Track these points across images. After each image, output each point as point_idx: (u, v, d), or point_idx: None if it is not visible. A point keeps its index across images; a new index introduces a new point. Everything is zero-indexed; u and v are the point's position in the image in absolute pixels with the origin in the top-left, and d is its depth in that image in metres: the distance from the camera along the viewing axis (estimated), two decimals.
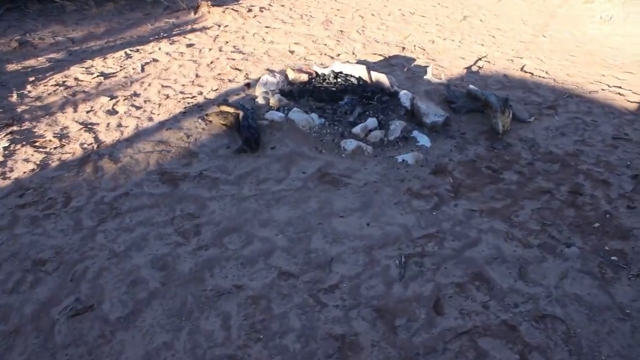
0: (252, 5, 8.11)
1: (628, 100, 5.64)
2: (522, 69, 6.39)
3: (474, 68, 6.38)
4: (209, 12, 7.54)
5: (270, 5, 8.27)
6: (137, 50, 6.32)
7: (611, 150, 4.68)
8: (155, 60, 6.08)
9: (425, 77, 5.52)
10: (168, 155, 4.19)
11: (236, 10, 7.76)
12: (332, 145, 4.33)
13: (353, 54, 6.56)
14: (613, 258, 3.37)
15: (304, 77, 5.33)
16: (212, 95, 5.24)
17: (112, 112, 4.88)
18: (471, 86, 5.12)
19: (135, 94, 5.24)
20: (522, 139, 4.79)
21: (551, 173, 4.32)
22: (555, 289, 3.09)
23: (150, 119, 4.74)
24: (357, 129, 4.33)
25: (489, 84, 5.94)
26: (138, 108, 4.95)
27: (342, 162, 4.20)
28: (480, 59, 6.63)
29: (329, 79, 5.28)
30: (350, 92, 5.08)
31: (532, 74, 6.30)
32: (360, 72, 5.37)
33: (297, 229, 3.46)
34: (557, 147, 4.71)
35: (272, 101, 4.78)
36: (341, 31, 7.33)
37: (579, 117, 5.27)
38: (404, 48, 6.87)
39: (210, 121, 4.68)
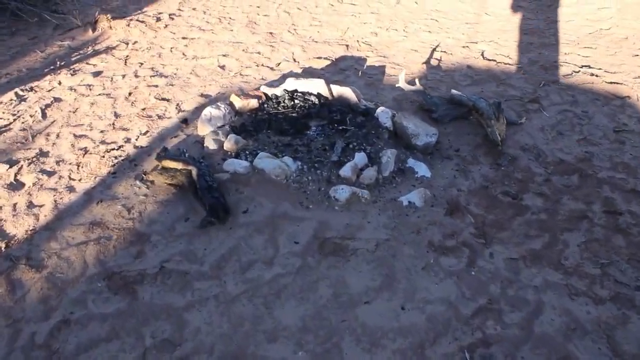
0: (160, 13, 6.87)
1: (605, 82, 5.13)
2: (482, 56, 5.73)
3: (433, 62, 5.64)
4: (110, 27, 6.23)
5: (179, 10, 7.06)
6: (31, 89, 4.99)
7: (619, 147, 4.14)
8: (57, 99, 4.81)
9: (397, 85, 4.69)
10: (109, 244, 3.09)
11: (142, 22, 6.50)
12: (320, 196, 3.42)
13: (294, 60, 5.60)
14: None
15: (254, 103, 4.33)
16: (143, 142, 4.12)
17: (16, 185, 3.66)
18: (454, 91, 4.37)
19: (42, 153, 4.02)
20: (523, 148, 4.11)
21: (574, 189, 3.68)
22: None
23: (71, 189, 3.59)
24: (346, 171, 3.44)
25: (456, 80, 5.23)
26: (50, 174, 3.75)
27: (338, 217, 3.30)
28: (434, 49, 5.89)
29: (283, 101, 4.33)
30: (314, 116, 4.17)
31: (495, 61, 5.67)
32: (318, 87, 4.46)
33: (318, 336, 2.55)
34: (563, 152, 4.09)
35: (227, 144, 3.77)
36: (271, 33, 6.33)
37: (567, 109, 4.69)
38: (347, 46, 6.01)
39: (152, 182, 3.59)
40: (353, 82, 5.10)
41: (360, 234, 3.20)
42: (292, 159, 3.54)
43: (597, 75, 5.27)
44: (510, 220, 3.42)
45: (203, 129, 4.09)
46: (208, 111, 4.13)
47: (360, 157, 3.54)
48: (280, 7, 7.19)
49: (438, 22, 6.81)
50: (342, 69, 5.46)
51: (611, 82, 5.13)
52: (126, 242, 3.12)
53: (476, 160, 3.99)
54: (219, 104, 4.24)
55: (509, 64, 5.58)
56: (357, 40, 6.15)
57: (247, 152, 3.71)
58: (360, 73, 5.31)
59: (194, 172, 3.42)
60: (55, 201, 3.49)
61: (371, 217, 3.34)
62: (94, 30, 6.14)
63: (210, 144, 3.82)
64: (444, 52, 5.87)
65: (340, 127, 3.96)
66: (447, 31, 6.50)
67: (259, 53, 5.77)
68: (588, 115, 4.60)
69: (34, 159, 3.94)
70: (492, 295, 2.83)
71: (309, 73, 5.30)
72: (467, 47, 6.03)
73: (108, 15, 6.24)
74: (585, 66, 5.49)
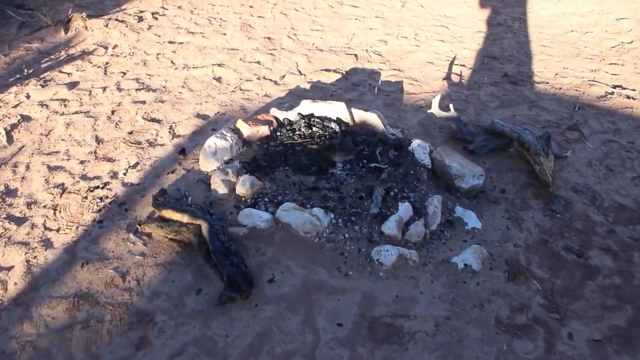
0: (141, 12, 6.09)
1: None
2: (506, 74, 5.18)
3: (454, 77, 5.07)
4: (85, 27, 5.43)
5: (163, 8, 6.29)
6: None
7: None
8: (26, 118, 4.04)
9: (429, 110, 4.09)
10: (102, 329, 2.42)
11: (122, 21, 5.72)
12: (360, 259, 2.81)
13: (300, 73, 4.95)
14: None
15: (264, 130, 3.69)
16: (133, 177, 3.42)
17: None
18: (496, 120, 3.79)
19: (9, 191, 3.29)
20: (575, 189, 3.59)
21: None
22: None
23: (48, 244, 2.88)
24: (390, 228, 2.83)
25: (483, 100, 4.67)
26: (20, 222, 3.03)
27: (385, 286, 2.71)
28: (452, 62, 5.32)
29: (299, 129, 3.68)
30: (338, 148, 3.53)
31: (520, 77, 5.13)
32: (338, 111, 3.84)
33: None
34: (620, 194, 3.59)
35: (241, 189, 3.11)
36: (269, 38, 5.64)
37: (611, 139, 4.20)
38: (356, 56, 5.38)
39: (150, 235, 2.91)
40: (370, 102, 4.48)
41: (414, 310, 2.61)
42: (324, 211, 2.90)
43: (633, 98, 4.79)
44: (581, 286, 2.89)
45: (207, 165, 3.42)
46: (212, 142, 3.46)
47: (404, 209, 2.93)
48: (276, 8, 6.50)
49: (449, 29, 6.24)
50: (354, 84, 4.84)
51: None
52: (124, 324, 2.45)
53: (526, 204, 3.44)
54: (224, 132, 3.57)
55: (536, 82, 5.05)
56: (366, 50, 5.52)
57: (265, 199, 3.05)
58: (376, 90, 4.70)
59: (205, 228, 2.75)
60: (27, 262, 2.78)
61: (423, 285, 2.75)
62: (66, 30, 5.34)
63: (218, 187, 3.15)
64: (463, 65, 5.30)
65: (372, 165, 3.33)
66: (461, 40, 5.93)
67: (258, 63, 5.09)
68: (635, 147, 4.12)
69: None
70: None
71: (318, 89, 4.66)
72: (486, 60, 5.47)
73: (83, 14, 5.42)
74: (618, 86, 5.01)
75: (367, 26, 6.14)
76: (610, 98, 4.79)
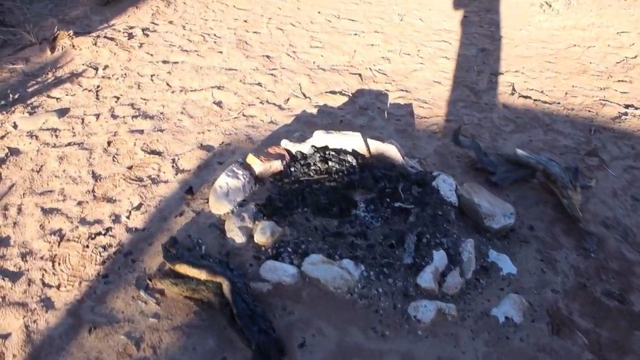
0: (131, 28, 5.77)
1: None
2: (517, 92, 5.01)
3: (464, 99, 4.87)
4: (72, 46, 5.10)
5: (153, 23, 5.97)
6: None
7: None
8: (14, 152, 3.73)
9: (450, 142, 3.88)
10: None
11: (112, 39, 5.40)
12: (397, 316, 2.58)
13: (304, 95, 4.71)
14: None
15: (277, 166, 3.44)
16: (137, 222, 3.15)
17: None
18: (519, 150, 3.61)
19: (0, 240, 2.97)
20: (606, 224, 3.43)
21: None
22: None
23: (48, 304, 2.61)
24: (427, 280, 2.62)
25: (497, 124, 4.49)
26: (15, 277, 2.75)
27: (425, 347, 2.49)
28: (460, 82, 5.13)
29: (314, 163, 3.44)
30: (358, 185, 3.31)
31: (530, 98, 4.96)
32: (353, 142, 3.61)
33: None
34: None
35: (261, 238, 2.86)
36: (267, 57, 5.39)
37: (632, 165, 4.06)
38: (361, 75, 5.16)
39: (162, 292, 2.64)
40: (382, 128, 4.27)
41: None
42: (353, 262, 2.66)
43: None
44: (628, 337, 2.71)
45: (218, 207, 3.15)
46: (224, 182, 3.20)
47: (439, 258, 2.72)
48: (271, 23, 6.23)
49: (452, 44, 6.06)
50: (362, 107, 4.61)
51: None
52: None
53: (557, 242, 3.26)
54: (234, 169, 3.31)
55: (547, 102, 4.89)
56: (370, 68, 5.30)
57: (288, 248, 2.80)
58: (385, 114, 4.47)
59: (226, 287, 2.50)
60: (27, 327, 2.50)
61: (464, 343, 2.54)
62: (52, 49, 5.01)
63: (235, 235, 2.89)
64: (473, 86, 5.11)
65: (397, 205, 3.10)
66: (465, 57, 5.74)
67: (259, 85, 4.83)
68: None
69: None
70: None
71: (326, 114, 4.42)
72: (493, 79, 5.29)
73: (70, 31, 5.09)
74: (630, 106, 4.88)
75: (367, 42, 5.91)
76: (625, 120, 4.65)
